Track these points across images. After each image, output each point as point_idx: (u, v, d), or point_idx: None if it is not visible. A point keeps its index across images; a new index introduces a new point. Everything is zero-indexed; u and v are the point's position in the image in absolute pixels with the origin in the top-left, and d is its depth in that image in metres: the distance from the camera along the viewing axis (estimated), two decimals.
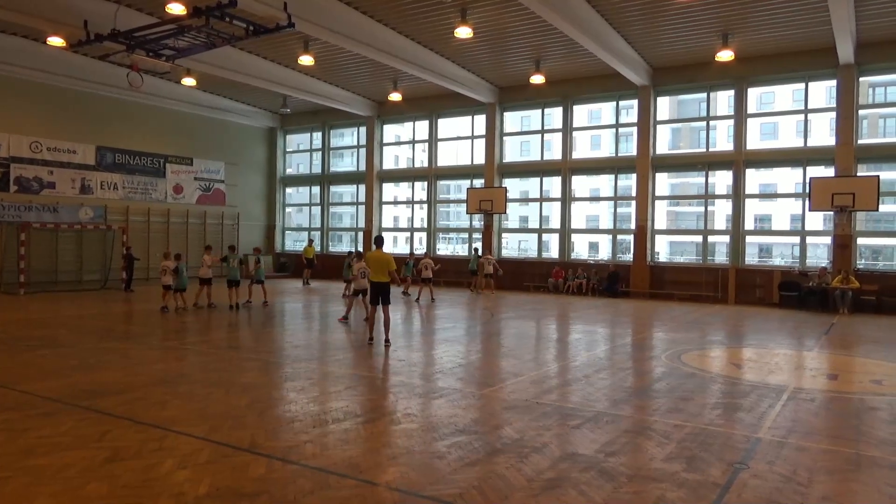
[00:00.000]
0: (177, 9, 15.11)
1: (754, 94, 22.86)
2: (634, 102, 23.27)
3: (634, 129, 23.52)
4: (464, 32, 17.69)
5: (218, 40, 16.71)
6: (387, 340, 11.24)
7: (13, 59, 21.30)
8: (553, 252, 26.13)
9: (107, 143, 25.11)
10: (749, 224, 22.97)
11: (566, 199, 24.90)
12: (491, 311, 17.74)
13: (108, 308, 17.41)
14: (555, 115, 25.72)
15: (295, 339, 12.36)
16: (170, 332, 12.98)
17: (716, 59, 19.45)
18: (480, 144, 26.53)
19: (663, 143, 24.97)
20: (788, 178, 23.23)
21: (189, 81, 23.95)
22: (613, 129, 25.19)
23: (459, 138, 27.99)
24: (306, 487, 4.76)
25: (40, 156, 23.17)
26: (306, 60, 20.89)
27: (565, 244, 25.01)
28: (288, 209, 33.55)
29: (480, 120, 26.42)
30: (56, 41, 17.93)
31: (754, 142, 22.46)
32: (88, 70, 22.82)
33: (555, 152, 25.86)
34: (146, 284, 24.09)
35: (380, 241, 11.82)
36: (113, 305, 18.03)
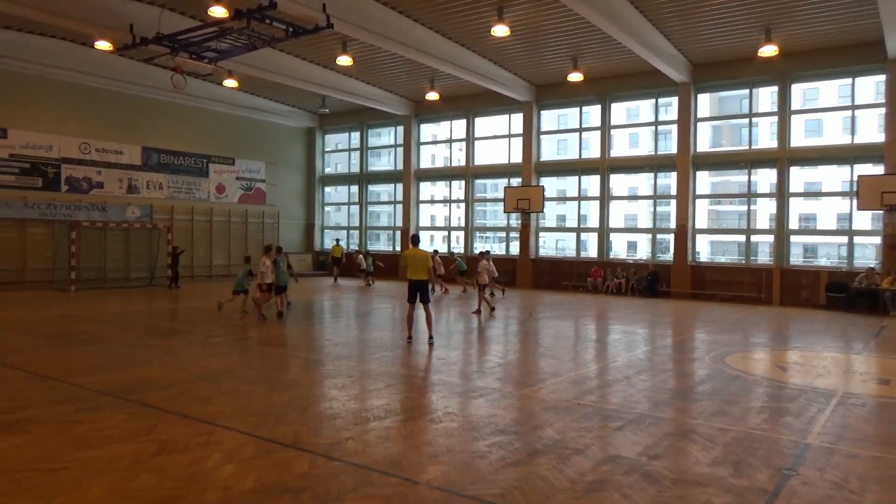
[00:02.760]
0: (219, 12, 15.40)
1: (798, 90, 22.29)
2: (674, 100, 22.88)
3: (674, 127, 23.13)
4: (500, 31, 17.62)
5: (258, 42, 17.02)
6: (430, 339, 11.31)
7: (63, 62, 22.02)
8: (591, 251, 25.89)
9: (152, 143, 25.75)
10: (794, 223, 22.39)
11: (604, 197, 24.64)
12: (529, 310, 17.65)
13: (154, 305, 17.84)
14: (592, 113, 25.45)
15: (335, 337, 12.49)
16: (213, 328, 13.25)
17: (758, 54, 19.00)
18: (517, 143, 26.41)
19: (704, 141, 24.53)
20: (835, 176, 22.61)
21: (230, 83, 24.40)
22: (652, 127, 24.83)
23: (496, 137, 27.92)
24: (349, 484, 4.81)
25: (89, 156, 23.89)
26: (344, 61, 21.09)
27: (603, 243, 24.75)
28: (327, 208, 33.93)
29: (517, 118, 26.31)
30: (103, 45, 18.46)
31: (798, 139, 21.91)
32: (134, 73, 23.44)
33: (592, 150, 25.60)
34: (190, 282, 24.62)
35: (416, 239, 11.86)
36: (158, 302, 18.47)
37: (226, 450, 5.52)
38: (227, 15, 15.42)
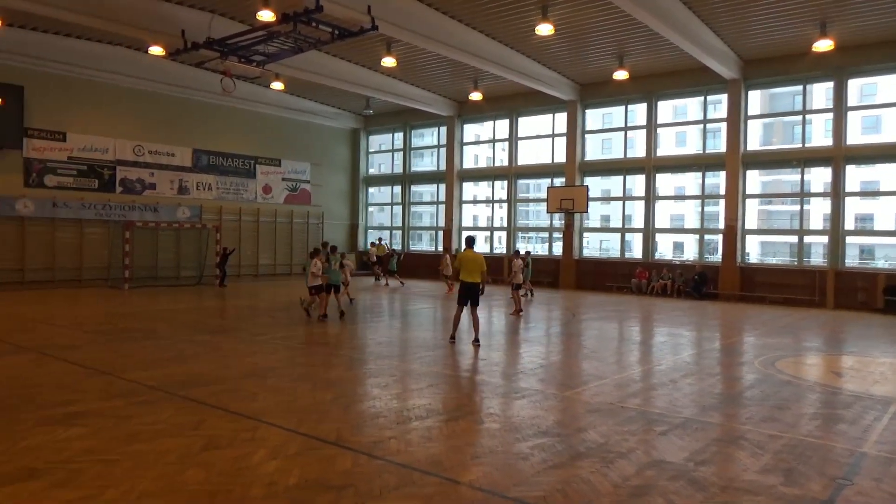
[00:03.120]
0: (266, 16, 15.71)
1: (855, 86, 21.49)
2: (723, 97, 22.33)
3: (723, 125, 22.57)
4: (545, 30, 17.49)
5: (304, 45, 17.30)
6: (476, 340, 11.21)
7: (118, 68, 22.80)
8: (636, 252, 25.49)
9: (202, 145, 26.41)
10: (849, 224, 21.59)
11: (650, 197, 24.21)
12: (572, 311, 17.48)
13: (203, 303, 18.28)
14: (638, 112, 25.05)
15: (377, 336, 12.58)
16: (258, 326, 13.51)
17: (812, 49, 18.39)
18: (561, 143, 26.18)
19: (754, 139, 23.84)
20: (894, 175, 21.69)
21: (277, 85, 24.85)
22: (700, 125, 24.30)
23: (540, 136, 27.73)
24: (391, 483, 4.83)
25: (142, 159, 24.64)
26: (389, 62, 21.24)
27: (649, 244, 24.33)
28: (370, 208, 34.24)
29: (561, 118, 26.07)
30: (156, 50, 19.02)
31: (855, 136, 21.13)
32: (185, 77, 24.09)
33: (638, 150, 25.20)
34: (237, 281, 25.15)
35: (472, 241, 11.57)
36: (207, 300, 18.92)
37: (270, 446, 5.61)
38: (274, 19, 15.73)
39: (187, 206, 25.81)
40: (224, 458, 5.28)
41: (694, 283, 21.96)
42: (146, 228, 23.60)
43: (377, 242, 29.45)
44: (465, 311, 11.42)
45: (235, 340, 11.54)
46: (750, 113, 22.40)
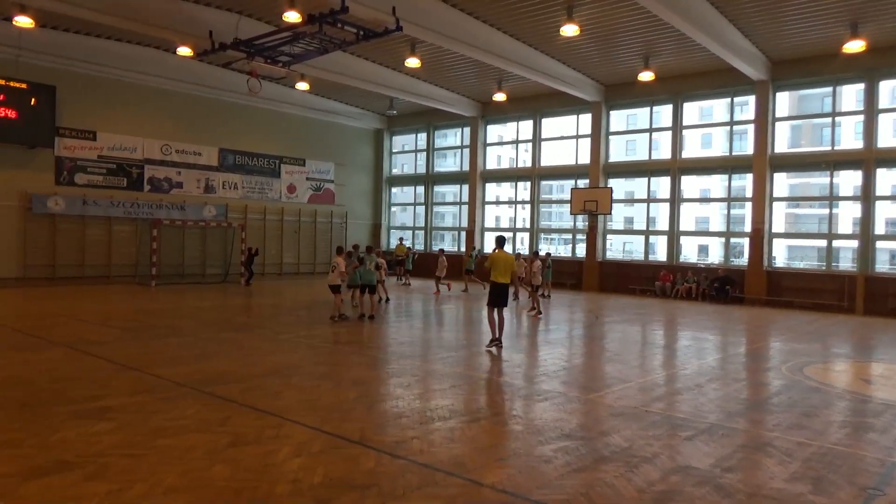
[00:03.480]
0: (293, 17, 15.86)
1: (887, 88, 21.01)
2: (751, 98, 22.04)
3: (750, 127, 22.28)
4: (570, 30, 17.40)
5: (330, 45, 17.43)
6: (499, 342, 11.05)
7: (147, 68, 23.18)
8: (660, 254, 25.25)
9: (228, 145, 26.72)
10: (879, 228, 21.15)
11: (675, 199, 23.95)
12: (595, 313, 17.37)
13: (228, 301, 18.48)
14: (663, 113, 24.82)
15: (399, 336, 12.62)
16: (282, 325, 13.62)
17: (843, 50, 18.09)
18: (585, 144, 26.03)
19: (782, 141, 23.51)
20: None
21: (302, 86, 25.06)
22: (727, 127, 24.00)
23: (563, 138, 27.60)
24: (414, 483, 4.85)
25: (170, 158, 25.00)
26: (413, 63, 21.30)
27: (673, 247, 24.08)
28: (393, 208, 34.36)
29: (585, 119, 25.93)
30: (184, 51, 19.29)
31: (886, 139, 20.65)
32: (211, 77, 24.41)
33: (663, 151, 24.96)
34: (262, 280, 25.38)
35: (502, 242, 11.47)
36: (232, 298, 19.13)
37: (295, 443, 5.66)
38: (300, 20, 15.87)
39: (213, 204, 26.13)
40: (249, 455, 5.34)
41: (718, 286, 21.70)
42: (173, 227, 23.94)
43: (399, 242, 29.52)
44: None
45: (259, 338, 11.65)
46: (778, 115, 22.09)
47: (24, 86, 20.88)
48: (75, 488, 4.56)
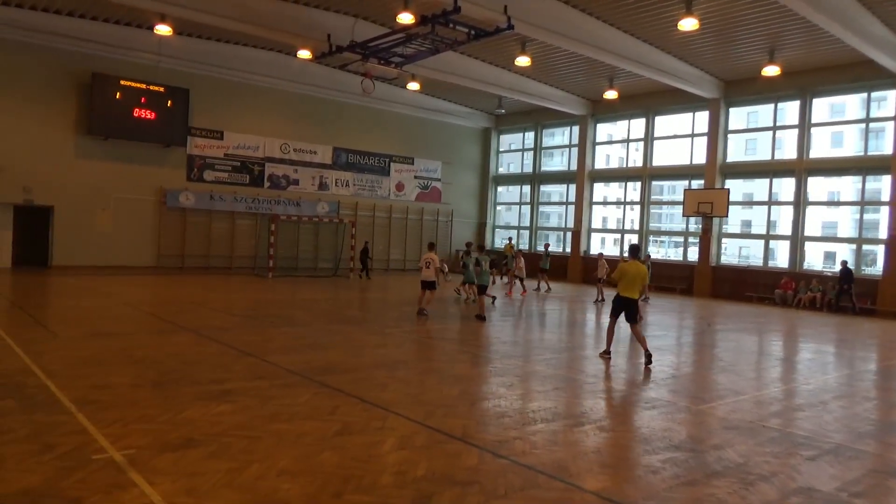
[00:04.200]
0: (406, 18, 16.22)
1: None
2: (890, 94, 20.27)
3: (889, 125, 20.48)
4: (688, 24, 16.69)
5: (441, 46, 17.69)
6: (649, 357, 9.73)
7: (268, 71, 24.56)
8: (781, 261, 23.75)
9: (341, 144, 27.77)
10: None
11: (800, 202, 22.40)
12: (707, 320, 16.60)
13: (338, 294, 19.20)
14: (788, 110, 23.30)
15: (502, 335, 12.62)
16: (388, 319, 13.98)
17: None
18: (700, 143, 24.90)
19: None
20: None
21: (413, 86, 25.58)
22: (862, 125, 22.18)
23: (677, 136, 26.54)
24: (516, 483, 4.84)
25: (288, 156, 26.33)
26: (523, 61, 21.19)
27: (797, 253, 22.54)
28: (498, 207, 34.38)
29: (702, 117, 24.80)
30: (304, 54, 20.23)
31: None
32: (328, 79, 25.47)
33: (787, 151, 23.43)
34: (373, 274, 26.16)
35: (636, 251, 10.33)
36: (342, 292, 19.85)
37: (399, 436, 5.80)
38: (413, 21, 16.21)
39: (326, 201, 27.24)
40: (356, 444, 5.52)
41: (838, 291, 19.90)
42: (289, 221, 25.18)
43: (508, 242, 29.36)
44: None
45: (366, 331, 12.02)
46: None
47: (161, 89, 22.69)
48: (200, 464, 4.90)
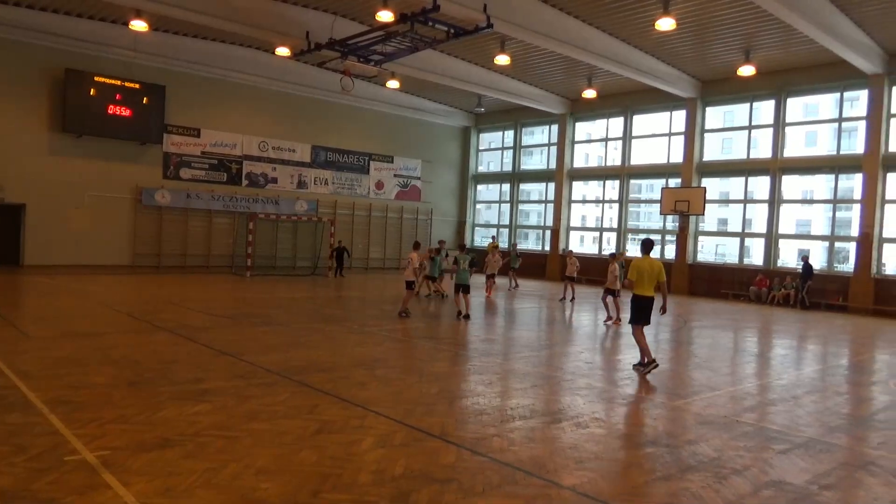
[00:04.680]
0: (386, 16, 16.18)
1: None
2: (863, 93, 20.63)
3: (861, 124, 20.86)
4: (666, 24, 16.87)
5: (421, 44, 17.67)
6: (647, 365, 9.16)
7: (246, 68, 24.35)
8: (756, 258, 24.09)
9: (320, 142, 27.63)
10: None
11: (774, 200, 22.75)
12: (684, 318, 16.80)
13: (317, 293, 19.11)
14: (763, 109, 23.62)
15: (482, 334, 12.67)
16: (367, 318, 13.96)
17: None
18: (677, 142, 25.18)
19: None
20: None
21: (393, 84, 25.54)
22: (835, 124, 22.58)
23: (655, 135, 26.80)
24: (494, 480, 4.87)
25: (266, 154, 26.14)
26: (502, 60, 21.26)
27: (771, 250, 22.89)
28: (478, 206, 34.44)
29: (679, 116, 25.07)
30: (282, 51, 20.10)
31: None
32: (306, 77, 25.32)
33: (762, 150, 23.77)
34: (349, 273, 26.09)
35: (649, 246, 9.49)
36: (321, 290, 19.76)
37: (378, 434, 5.81)
38: (393, 19, 16.18)
39: (305, 199, 27.08)
40: (335, 443, 5.52)
41: (801, 284, 20.33)
42: (267, 220, 24.99)
43: (492, 240, 29.37)
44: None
45: (346, 330, 11.99)
46: (893, 111, 20.55)
47: (137, 86, 22.39)
48: (176, 464, 4.87)
